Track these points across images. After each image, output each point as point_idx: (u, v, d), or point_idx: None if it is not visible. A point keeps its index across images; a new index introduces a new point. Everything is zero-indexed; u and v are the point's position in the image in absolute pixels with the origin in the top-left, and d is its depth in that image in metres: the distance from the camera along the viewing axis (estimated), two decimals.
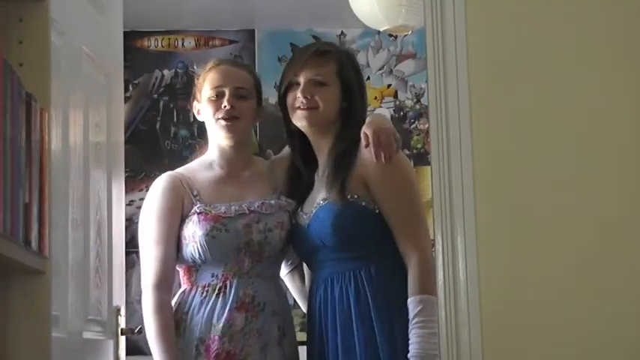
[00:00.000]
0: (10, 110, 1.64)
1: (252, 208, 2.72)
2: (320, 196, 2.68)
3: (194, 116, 2.90)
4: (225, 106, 2.73)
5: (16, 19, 1.92)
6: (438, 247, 2.81)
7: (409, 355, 2.50)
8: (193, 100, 2.85)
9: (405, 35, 5.29)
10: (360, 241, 2.64)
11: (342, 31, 5.70)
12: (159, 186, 2.76)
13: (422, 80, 5.58)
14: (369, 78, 5.72)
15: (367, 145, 2.62)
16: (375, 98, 5.72)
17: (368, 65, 5.73)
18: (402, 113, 5.72)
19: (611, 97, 2.82)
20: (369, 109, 5.66)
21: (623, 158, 2.79)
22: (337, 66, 2.74)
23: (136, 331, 3.05)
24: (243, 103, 2.76)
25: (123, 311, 2.92)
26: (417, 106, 5.73)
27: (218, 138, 2.79)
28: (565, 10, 2.84)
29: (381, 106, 5.70)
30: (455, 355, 2.75)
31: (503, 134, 2.83)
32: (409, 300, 2.54)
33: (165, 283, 2.69)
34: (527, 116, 2.82)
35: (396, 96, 5.75)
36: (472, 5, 2.84)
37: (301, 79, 2.70)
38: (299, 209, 2.76)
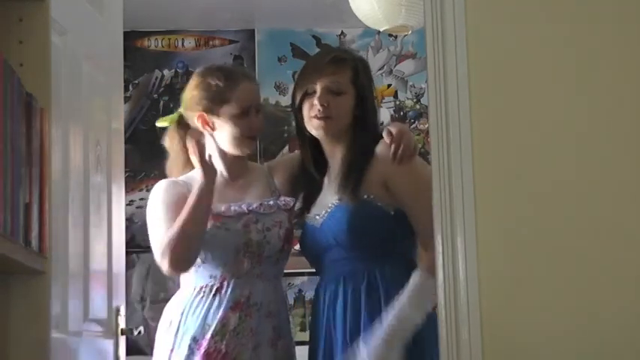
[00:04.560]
0: (10, 110, 1.64)
1: (250, 209, 2.74)
2: (332, 198, 2.69)
3: None
4: (253, 126, 2.79)
5: (16, 19, 1.93)
6: (438, 247, 2.81)
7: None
8: (206, 111, 2.77)
9: (405, 35, 5.28)
10: (373, 241, 2.65)
11: (342, 31, 5.70)
12: (160, 187, 2.79)
13: (422, 80, 5.58)
14: None
15: (391, 142, 2.65)
16: (375, 98, 5.72)
17: None
18: (402, 113, 5.72)
19: (612, 99, 2.82)
20: None
21: (624, 160, 2.79)
22: (353, 73, 2.76)
23: (136, 332, 3.05)
24: (259, 120, 2.83)
25: (123, 311, 2.92)
26: (417, 106, 5.73)
27: (228, 149, 2.79)
28: (565, 11, 2.84)
29: (381, 106, 5.70)
30: (455, 355, 2.75)
31: (503, 134, 2.83)
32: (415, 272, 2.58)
33: None
34: (527, 116, 2.82)
35: (396, 96, 5.74)
36: (472, 5, 2.85)
37: (317, 87, 2.71)
38: (306, 212, 2.77)
